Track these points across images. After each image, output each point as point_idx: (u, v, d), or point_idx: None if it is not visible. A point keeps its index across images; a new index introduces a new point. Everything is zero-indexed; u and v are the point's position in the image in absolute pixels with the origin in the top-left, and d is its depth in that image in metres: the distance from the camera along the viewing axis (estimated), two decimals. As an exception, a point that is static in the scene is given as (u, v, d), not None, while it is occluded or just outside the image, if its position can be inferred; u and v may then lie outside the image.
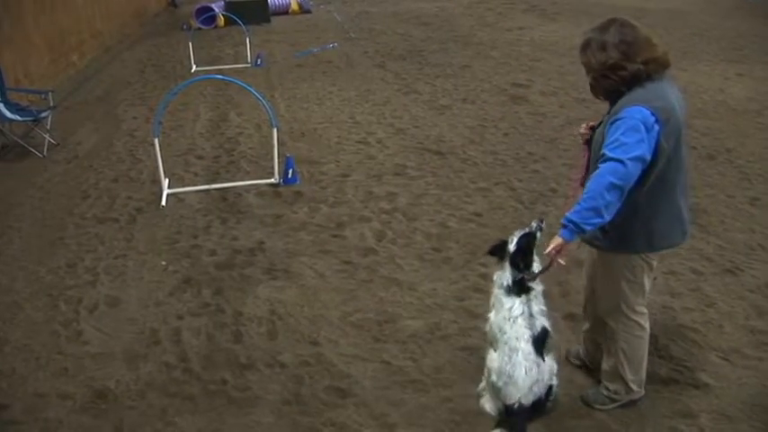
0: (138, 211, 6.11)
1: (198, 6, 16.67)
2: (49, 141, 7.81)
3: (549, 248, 2.99)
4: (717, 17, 15.25)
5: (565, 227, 2.91)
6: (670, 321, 4.20)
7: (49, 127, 7.87)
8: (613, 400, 3.46)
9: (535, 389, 3.27)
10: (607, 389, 3.47)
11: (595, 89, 3.11)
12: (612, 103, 3.04)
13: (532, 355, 3.26)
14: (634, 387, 3.42)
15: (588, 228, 2.87)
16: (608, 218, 2.84)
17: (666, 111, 2.89)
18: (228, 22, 15.22)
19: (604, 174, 2.81)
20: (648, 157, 2.83)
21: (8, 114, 7.50)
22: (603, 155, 2.85)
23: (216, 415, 3.56)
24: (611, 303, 3.30)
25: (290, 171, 6.54)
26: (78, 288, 4.85)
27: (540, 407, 3.34)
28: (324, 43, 13.84)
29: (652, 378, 3.68)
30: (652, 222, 3.05)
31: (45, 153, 7.62)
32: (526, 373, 3.22)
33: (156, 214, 6.02)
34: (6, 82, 7.96)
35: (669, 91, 3.02)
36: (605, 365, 3.47)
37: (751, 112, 8.35)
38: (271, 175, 6.67)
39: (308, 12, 18.68)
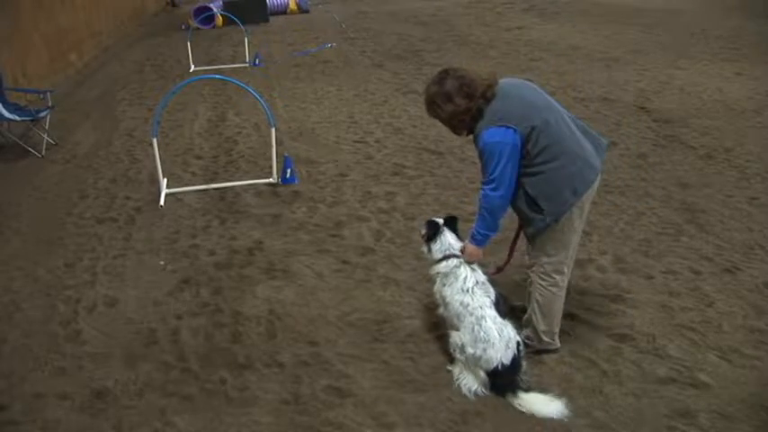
0: (136, 210, 6.10)
1: (196, 6, 16.67)
2: (48, 141, 7.81)
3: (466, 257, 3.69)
4: (715, 16, 15.26)
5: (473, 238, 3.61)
6: (669, 321, 4.20)
7: (47, 127, 7.86)
8: (527, 345, 3.78)
9: (510, 345, 3.49)
10: (523, 333, 3.81)
11: (455, 131, 3.63)
12: (471, 130, 3.51)
13: (498, 318, 3.56)
14: (545, 338, 3.83)
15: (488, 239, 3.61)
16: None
17: (509, 113, 3.33)
18: (227, 21, 15.23)
19: (484, 206, 3.47)
20: (514, 169, 3.35)
21: (6, 114, 7.48)
22: (487, 183, 3.40)
23: (214, 414, 3.56)
24: (535, 258, 3.69)
25: (289, 171, 6.54)
26: (77, 288, 4.84)
27: (517, 363, 3.53)
28: (322, 43, 13.84)
29: (650, 377, 3.70)
30: (565, 175, 3.40)
31: (43, 153, 7.61)
32: (499, 334, 3.49)
33: (155, 214, 6.01)
34: (5, 81, 7.96)
35: (510, 93, 3.44)
36: (527, 313, 3.88)
37: (749, 112, 8.35)
38: (269, 174, 6.66)
39: (307, 11, 18.70)
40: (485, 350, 3.48)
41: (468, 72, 3.49)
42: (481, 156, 3.43)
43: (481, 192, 3.45)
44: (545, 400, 3.45)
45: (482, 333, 3.48)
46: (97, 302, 4.65)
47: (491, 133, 3.33)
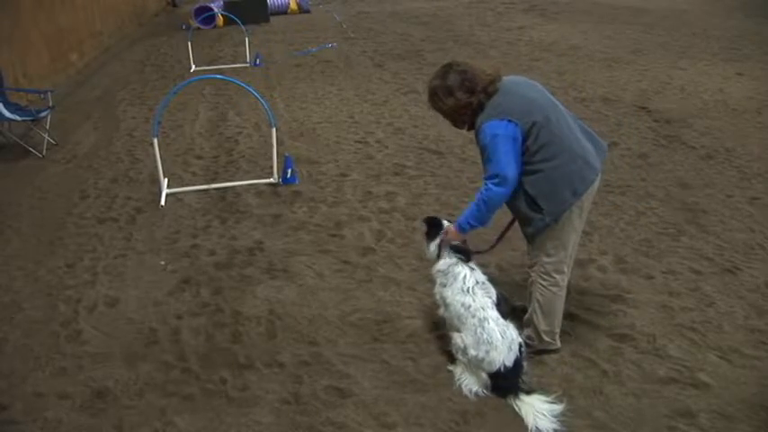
0: (137, 210, 6.11)
1: (197, 6, 16.67)
2: (49, 141, 7.81)
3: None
4: (716, 16, 15.26)
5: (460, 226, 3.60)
6: (669, 321, 4.20)
7: (48, 127, 7.87)
8: (527, 345, 3.73)
9: (513, 348, 3.49)
10: (524, 333, 3.80)
11: (456, 124, 3.66)
12: (472, 124, 3.54)
13: (501, 319, 3.55)
14: (546, 338, 3.82)
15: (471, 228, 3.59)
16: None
17: (510, 107, 3.37)
18: (227, 21, 15.22)
19: (483, 199, 3.43)
20: (516, 162, 3.35)
21: (7, 114, 7.49)
22: (489, 177, 3.39)
23: (215, 414, 3.56)
24: (535, 258, 3.69)
25: (289, 171, 6.54)
26: (77, 288, 4.85)
27: (519, 365, 3.52)
28: (322, 43, 13.84)
29: (651, 377, 3.70)
30: (564, 174, 3.41)
31: (44, 153, 7.62)
32: (502, 336, 3.48)
33: (156, 214, 6.02)
34: (6, 81, 7.96)
35: (512, 90, 3.47)
36: (527, 313, 3.86)
37: (750, 112, 8.35)
38: (270, 174, 6.66)
39: (307, 11, 18.69)
40: (487, 352, 3.47)
41: (471, 66, 3.50)
42: (483, 150, 3.42)
43: (483, 185, 3.42)
44: (545, 402, 3.43)
45: (485, 335, 3.47)
46: (98, 302, 4.65)
47: (492, 126, 3.35)
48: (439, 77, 3.53)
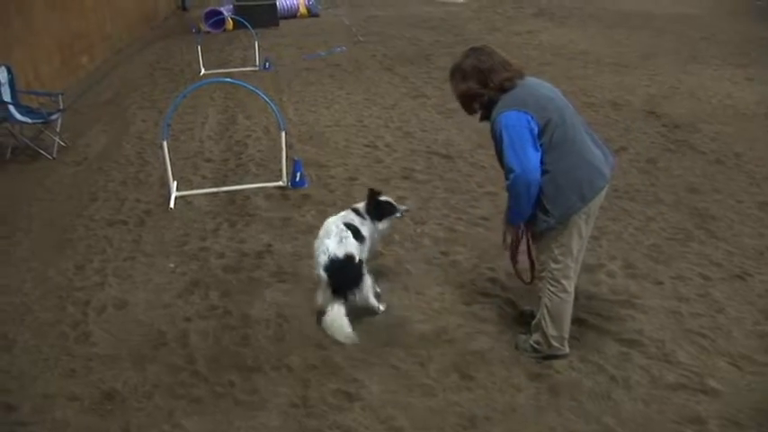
0: (146, 213, 6.13)
1: (207, 10, 16.76)
2: (59, 143, 7.86)
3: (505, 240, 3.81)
4: (725, 21, 15.21)
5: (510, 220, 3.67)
6: (678, 326, 4.18)
7: (58, 129, 7.92)
8: (536, 350, 3.87)
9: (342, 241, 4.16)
10: (532, 338, 3.88)
11: (466, 109, 3.67)
12: (486, 116, 3.55)
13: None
14: (554, 343, 3.81)
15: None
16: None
17: (526, 101, 3.37)
18: (237, 25, 15.30)
19: (509, 192, 3.47)
20: (536, 148, 3.33)
21: (19, 116, 7.55)
22: (508, 170, 3.37)
23: (223, 417, 3.57)
24: (543, 264, 3.70)
25: (298, 174, 6.55)
26: (86, 290, 4.87)
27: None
28: (332, 47, 13.88)
29: (660, 383, 3.68)
30: (573, 178, 3.42)
31: (54, 155, 7.66)
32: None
33: (165, 217, 6.04)
34: (17, 84, 8.01)
35: (530, 86, 3.48)
36: (536, 318, 3.86)
37: (759, 116, 8.31)
38: (279, 178, 6.68)
39: (316, 15, 18.76)
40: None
41: (493, 59, 3.50)
42: (497, 141, 3.42)
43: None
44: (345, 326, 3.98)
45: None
46: (107, 304, 4.67)
47: (506, 116, 3.36)
48: (461, 58, 3.59)
